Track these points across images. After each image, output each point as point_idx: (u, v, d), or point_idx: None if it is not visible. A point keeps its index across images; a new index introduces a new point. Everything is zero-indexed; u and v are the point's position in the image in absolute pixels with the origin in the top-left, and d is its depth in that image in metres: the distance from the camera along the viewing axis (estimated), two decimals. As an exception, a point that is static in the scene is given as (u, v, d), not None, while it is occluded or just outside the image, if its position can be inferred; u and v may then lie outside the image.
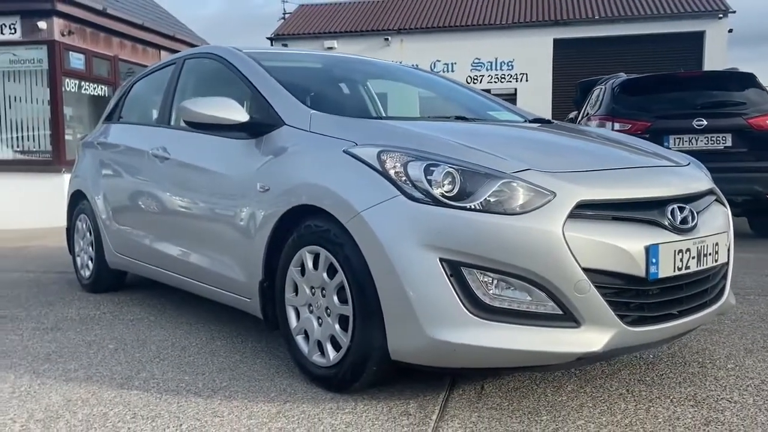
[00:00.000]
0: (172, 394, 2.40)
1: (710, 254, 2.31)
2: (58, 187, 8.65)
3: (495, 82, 19.30)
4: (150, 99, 4.02)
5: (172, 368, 2.72)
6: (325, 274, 2.34)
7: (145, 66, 11.34)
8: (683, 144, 5.90)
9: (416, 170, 2.13)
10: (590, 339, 2.03)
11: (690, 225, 2.25)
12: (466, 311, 2.00)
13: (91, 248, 4.33)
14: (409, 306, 2.04)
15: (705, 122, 5.86)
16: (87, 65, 9.76)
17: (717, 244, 2.35)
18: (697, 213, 2.34)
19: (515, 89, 19.02)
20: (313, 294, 2.41)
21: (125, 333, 3.31)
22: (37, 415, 2.24)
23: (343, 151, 2.32)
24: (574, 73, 17.00)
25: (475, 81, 19.35)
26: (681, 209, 2.26)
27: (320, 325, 2.39)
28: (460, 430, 2.03)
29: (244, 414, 2.19)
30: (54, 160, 9.10)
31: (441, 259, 2.02)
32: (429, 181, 2.09)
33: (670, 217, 2.21)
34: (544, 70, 18.64)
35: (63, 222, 4.96)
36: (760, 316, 3.45)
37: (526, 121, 3.37)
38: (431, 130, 2.49)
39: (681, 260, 2.18)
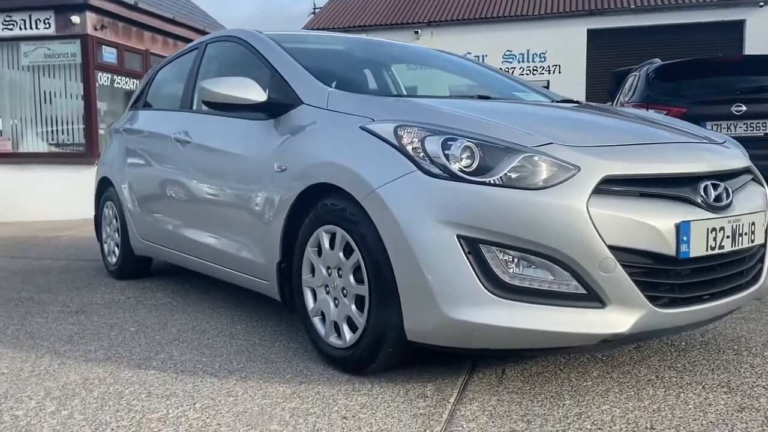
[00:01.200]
0: (188, 375, 2.38)
1: (746, 234, 2.19)
2: (91, 179, 8.75)
3: (527, 74, 19.01)
4: (174, 84, 4.00)
5: (191, 350, 2.70)
6: (341, 254, 2.28)
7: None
8: (721, 130, 5.69)
9: (434, 145, 2.06)
10: (616, 320, 1.93)
11: (724, 203, 2.14)
12: (485, 290, 1.92)
13: (117, 235, 4.35)
14: (426, 284, 1.97)
15: (744, 108, 5.64)
16: (119, 59, 9.88)
17: (753, 223, 2.23)
18: (733, 191, 2.23)
19: (548, 81, 18.71)
20: (330, 274, 2.36)
21: (147, 316, 3.31)
22: (54, 392, 2.23)
23: (360, 128, 2.26)
24: (609, 64, 16.64)
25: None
26: (715, 186, 2.14)
27: (336, 306, 2.34)
28: (478, 413, 1.96)
29: (259, 394, 2.15)
30: (87, 153, 9.24)
31: (459, 236, 1.95)
32: (447, 156, 2.01)
33: (702, 193, 2.10)
34: (578, 61, 18.30)
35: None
36: (800, 305, 3.29)
37: (553, 101, 3.27)
38: (452, 106, 2.42)
39: (714, 239, 2.07)
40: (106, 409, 2.06)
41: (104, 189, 4.57)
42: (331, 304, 2.36)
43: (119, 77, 9.96)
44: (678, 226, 1.98)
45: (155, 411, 2.03)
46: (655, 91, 6.04)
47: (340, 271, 2.30)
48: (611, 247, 1.91)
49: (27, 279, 4.52)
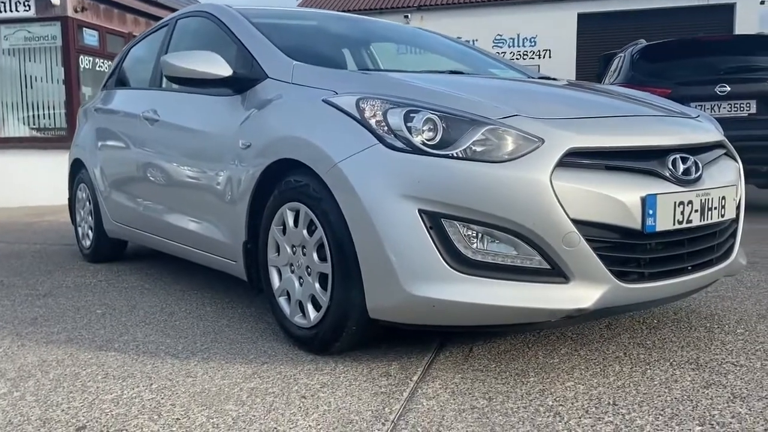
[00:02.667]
0: (149, 356, 2.32)
1: (716, 208, 2.14)
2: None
3: (517, 58, 18.90)
4: (145, 62, 3.92)
5: (156, 332, 2.64)
6: (305, 231, 2.23)
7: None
8: (705, 111, 5.64)
9: (396, 117, 2.00)
10: (580, 295, 1.89)
11: (693, 176, 2.09)
12: (447, 266, 1.88)
13: (90, 218, 4.28)
14: (387, 261, 1.92)
15: (728, 88, 5.60)
16: (101, 42, 9.73)
17: (724, 198, 2.18)
18: (703, 165, 2.18)
19: (538, 66, 18.62)
20: (294, 253, 2.31)
21: (116, 299, 3.25)
22: (9, 374, 2.18)
23: (322, 101, 2.20)
24: (599, 48, 16.54)
25: (497, 58, 19.01)
26: (684, 159, 2.10)
27: (301, 285, 2.29)
28: (440, 391, 1.91)
29: (218, 374, 2.10)
30: (69, 137, 9.09)
31: (420, 211, 1.89)
32: (409, 129, 1.96)
33: (671, 167, 2.05)
34: (568, 46, 18.20)
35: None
36: (778, 283, 3.27)
37: (529, 77, 3.21)
38: (418, 80, 2.35)
39: (682, 213, 2.03)
40: (59, 390, 2.01)
41: (77, 171, 4.49)
42: (296, 283, 2.31)
43: (101, 60, 9.81)
44: (644, 200, 1.93)
45: (109, 392, 1.97)
46: (640, 72, 5.99)
47: (304, 249, 2.25)
48: (575, 221, 1.86)
49: (1, 262, 4.44)
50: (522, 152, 1.89)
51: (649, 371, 2.05)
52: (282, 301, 2.40)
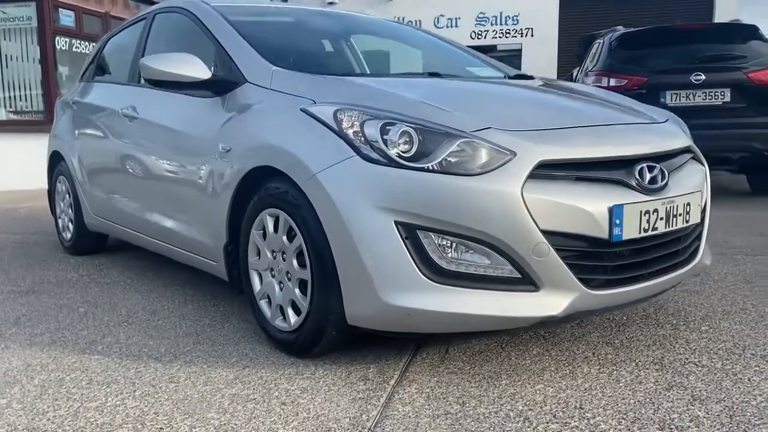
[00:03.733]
0: (132, 359, 2.37)
1: (680, 215, 2.22)
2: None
3: (500, 37, 18.87)
4: (123, 55, 3.90)
5: (138, 332, 2.69)
6: (284, 238, 2.28)
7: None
8: (680, 99, 5.75)
9: (373, 129, 2.05)
10: (549, 303, 1.97)
11: (659, 185, 2.16)
12: (422, 275, 1.94)
13: (70, 210, 4.29)
14: (364, 270, 1.98)
15: (703, 77, 5.68)
16: (77, 23, 9.59)
17: (689, 204, 2.26)
18: (670, 172, 2.26)
19: (521, 45, 18.63)
20: (275, 258, 2.36)
21: (98, 296, 3.28)
22: (-6, 380, 2.22)
23: (301, 110, 2.23)
24: (581, 27, 16.61)
25: (480, 36, 18.94)
26: (651, 168, 2.17)
27: (281, 289, 2.34)
28: (416, 395, 1.99)
29: (201, 380, 2.16)
30: (46, 120, 9.00)
31: (396, 222, 1.95)
32: (385, 141, 2.00)
33: (637, 176, 2.12)
34: (550, 24, 18.19)
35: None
36: (744, 277, 3.38)
37: (506, 77, 3.26)
38: (396, 87, 2.39)
39: (648, 221, 2.10)
40: (45, 397, 2.06)
41: (56, 163, 4.48)
42: (277, 288, 2.36)
43: (78, 41, 9.68)
44: (611, 210, 2.01)
45: (94, 399, 2.03)
46: (617, 59, 6.06)
47: (284, 255, 2.30)
48: (545, 232, 1.93)
49: (-20, 255, 4.45)
50: (494, 165, 1.95)
51: (615, 372, 2.14)
52: (263, 304, 2.45)
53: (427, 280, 1.94)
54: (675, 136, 2.48)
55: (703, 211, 2.48)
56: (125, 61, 3.77)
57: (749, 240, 4.31)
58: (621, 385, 2.05)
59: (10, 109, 9.37)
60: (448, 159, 1.97)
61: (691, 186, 2.34)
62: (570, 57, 16.73)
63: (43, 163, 8.19)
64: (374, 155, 2.00)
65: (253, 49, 2.69)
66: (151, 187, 3.19)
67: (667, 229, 2.17)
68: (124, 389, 2.10)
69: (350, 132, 2.07)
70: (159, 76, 2.66)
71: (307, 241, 2.15)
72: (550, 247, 1.94)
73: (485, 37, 18.80)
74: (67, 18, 9.43)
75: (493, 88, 2.70)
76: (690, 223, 2.29)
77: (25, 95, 9.36)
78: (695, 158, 2.55)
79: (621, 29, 6.57)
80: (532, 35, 18.63)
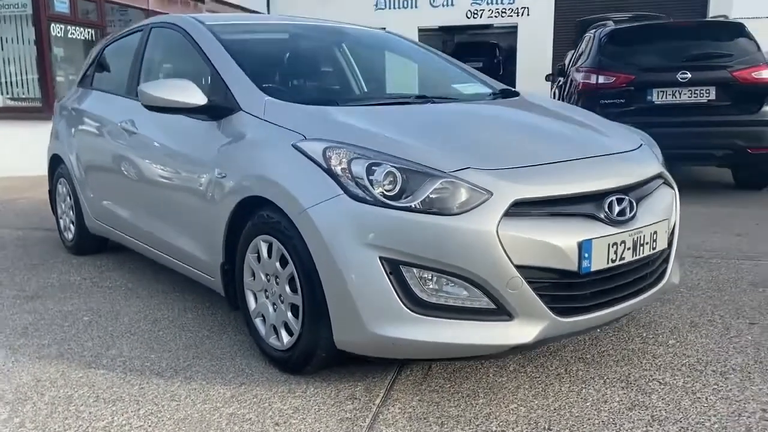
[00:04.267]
0: (135, 375, 2.54)
1: (647, 243, 2.38)
2: (47, 134, 8.72)
3: (496, 16, 18.83)
4: (120, 66, 4.00)
5: (141, 344, 2.85)
6: (278, 264, 2.43)
7: (134, 7, 11.15)
8: (667, 97, 5.87)
9: (359, 167, 2.19)
10: (522, 332, 2.13)
11: (627, 216, 2.31)
12: (405, 307, 2.10)
13: (71, 212, 4.42)
14: (352, 302, 2.14)
15: (689, 75, 5.80)
16: (72, 9, 9.58)
17: (656, 232, 2.41)
18: (639, 201, 2.40)
19: (516, 24, 18.60)
20: (269, 281, 2.51)
21: (101, 303, 3.44)
22: (7, 396, 2.39)
23: (292, 145, 2.37)
24: (577, 7, 16.63)
25: (476, 15, 18.91)
26: (620, 201, 2.31)
27: (275, 310, 2.50)
28: (399, 416, 2.16)
29: (200, 398, 2.33)
30: (44, 107, 9.07)
31: (381, 258, 2.10)
32: (371, 181, 2.14)
33: (607, 210, 2.27)
34: (547, 4, 18.15)
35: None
36: (717, 283, 3.55)
37: (491, 94, 3.38)
38: (383, 120, 2.53)
39: (615, 252, 2.26)
40: (55, 416, 2.22)
41: (56, 165, 4.60)
42: (270, 308, 2.52)
43: (74, 27, 9.69)
44: (580, 244, 2.16)
45: (101, 418, 2.20)
46: (606, 56, 6.16)
47: (277, 279, 2.45)
48: (518, 267, 2.09)
49: (-16, 255, 4.59)
50: (472, 205, 2.09)
51: (584, 390, 2.32)
52: (258, 322, 2.61)
53: (409, 311, 2.10)
54: (646, 164, 2.62)
55: (672, 233, 2.63)
56: (123, 71, 3.88)
57: (726, 241, 4.47)
58: (588, 404, 2.22)
59: (8, 96, 9.42)
60: (430, 197, 2.11)
61: (660, 213, 2.48)
62: (565, 36, 16.75)
63: (40, 150, 8.33)
64: (360, 193, 2.15)
65: (247, 77, 2.81)
66: (151, 201, 3.32)
67: (634, 258, 2.33)
68: (129, 407, 2.27)
69: (338, 169, 2.21)
70: (157, 102, 2.78)
71: (299, 269, 2.30)
72: (523, 281, 2.10)
73: (481, 17, 18.76)
74: (61, 4, 9.42)
75: (474, 119, 2.79)
76: (657, 249, 2.44)
77: (22, 81, 9.41)
78: (666, 182, 2.70)
79: (611, 24, 6.65)
80: (528, 14, 18.58)
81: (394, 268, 2.10)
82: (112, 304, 3.43)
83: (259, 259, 2.54)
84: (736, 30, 6.06)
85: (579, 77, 6.24)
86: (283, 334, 2.46)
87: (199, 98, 2.78)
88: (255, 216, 2.51)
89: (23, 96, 9.43)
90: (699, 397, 2.26)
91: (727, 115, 5.82)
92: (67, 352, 2.79)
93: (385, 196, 2.13)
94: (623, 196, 2.33)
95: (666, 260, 2.60)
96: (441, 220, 2.08)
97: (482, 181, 2.14)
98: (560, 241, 2.14)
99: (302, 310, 2.33)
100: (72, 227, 4.46)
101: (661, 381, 2.39)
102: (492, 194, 2.11)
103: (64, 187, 4.50)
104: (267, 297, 2.54)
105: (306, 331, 2.33)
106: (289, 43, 3.51)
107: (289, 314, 2.41)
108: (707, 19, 8.03)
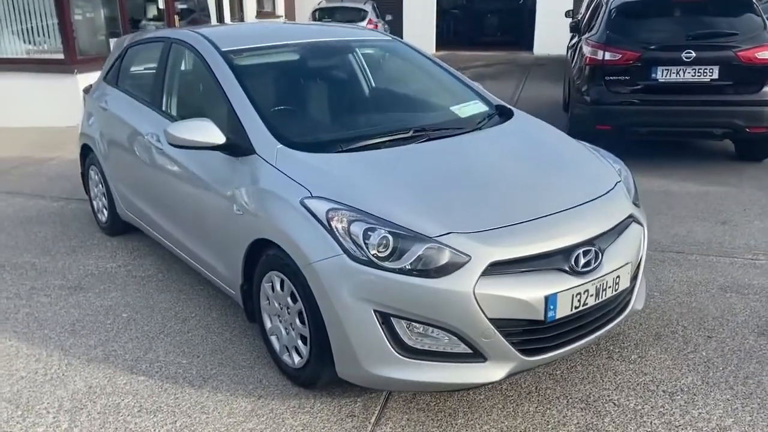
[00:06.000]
0: (171, 383, 3.00)
1: (610, 287, 2.73)
2: (71, 87, 9.10)
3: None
4: (143, 72, 4.29)
5: (174, 347, 3.31)
6: (289, 298, 2.83)
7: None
8: (671, 75, 6.00)
9: (357, 229, 2.54)
10: (493, 372, 2.54)
11: (592, 266, 2.65)
12: (394, 352, 2.51)
13: (104, 198, 4.82)
14: (350, 345, 2.54)
15: (694, 54, 5.90)
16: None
17: (618, 277, 2.76)
18: (605, 249, 2.73)
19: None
20: (281, 309, 2.92)
21: (137, 297, 3.90)
22: (65, 404, 2.87)
23: (300, 202, 2.71)
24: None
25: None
26: (586, 252, 2.64)
27: (287, 334, 2.92)
28: (389, 435, 2.62)
29: (225, 411, 2.79)
30: (66, 60, 9.33)
31: (375, 310, 2.49)
32: (366, 245, 2.50)
33: (573, 263, 2.61)
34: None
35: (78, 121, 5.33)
36: (690, 286, 3.89)
37: (489, 114, 3.65)
38: (379, 172, 2.86)
39: (579, 300, 2.62)
40: (107, 426, 2.71)
41: (87, 152, 4.96)
42: (283, 331, 2.94)
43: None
44: (546, 298, 2.52)
45: (146, 430, 2.67)
46: (615, 30, 6.25)
47: (289, 310, 2.86)
48: (491, 319, 2.47)
49: (27, 231, 5.05)
50: (453, 268, 2.45)
51: (548, 411, 2.74)
52: (273, 339, 3.04)
53: (398, 356, 2.51)
54: (617, 208, 2.93)
55: (637, 268, 2.97)
56: (147, 79, 4.18)
57: (709, 232, 4.77)
58: (549, 426, 2.65)
59: (30, 45, 9.65)
60: (419, 258, 2.47)
61: (625, 256, 2.81)
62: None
63: (64, 102, 8.77)
64: (358, 254, 2.51)
65: (260, 120, 3.11)
66: (176, 213, 3.70)
67: (597, 302, 2.69)
68: (168, 419, 2.75)
69: (339, 229, 2.57)
70: (181, 142, 3.11)
71: (306, 308, 2.70)
72: (495, 331, 2.48)
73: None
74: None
75: (462, 169, 3.01)
76: (620, 290, 2.80)
77: (44, 30, 9.59)
78: (635, 221, 3.00)
79: (622, -5, 6.67)
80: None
81: (385, 319, 2.50)
82: (147, 298, 3.89)
83: (272, 288, 2.93)
84: (744, 5, 6.08)
85: (587, 51, 6.36)
86: (295, 355, 2.89)
87: (218, 138, 3.10)
88: (269, 252, 2.88)
89: (46, 49, 9.64)
90: (644, 421, 2.68)
91: (728, 94, 5.96)
92: (111, 355, 3.26)
93: (377, 257, 2.49)
94: (590, 248, 2.66)
95: (630, 291, 2.95)
96: (426, 282, 2.45)
97: (462, 245, 2.48)
98: (529, 296, 2.50)
99: (309, 341, 2.74)
100: (105, 211, 4.87)
101: (616, 402, 2.80)
102: (470, 258, 2.47)
103: (96, 174, 4.88)
104: (280, 321, 2.96)
105: (313, 360, 2.75)
106: (300, 68, 3.77)
107: (299, 342, 2.83)
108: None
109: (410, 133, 3.25)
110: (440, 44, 20.85)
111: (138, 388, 2.98)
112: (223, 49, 3.55)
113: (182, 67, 3.92)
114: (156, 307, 3.77)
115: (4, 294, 3.99)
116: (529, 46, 19.92)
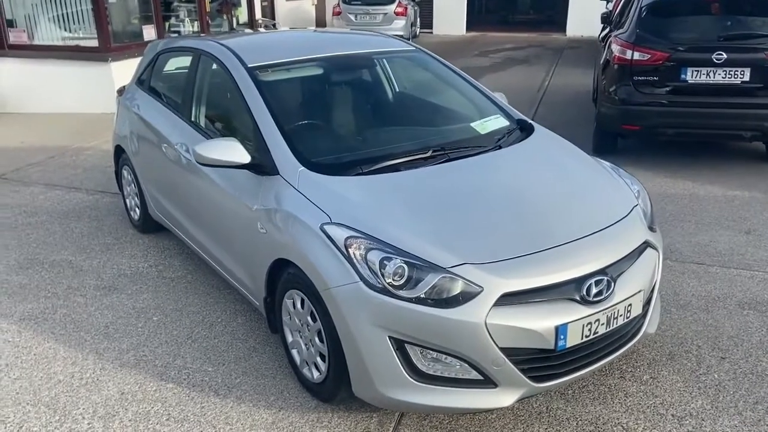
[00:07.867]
0: (197, 391, 3.16)
1: (621, 316, 2.79)
2: (104, 75, 9.31)
3: None
4: (174, 81, 4.41)
5: (200, 354, 3.47)
6: (309, 317, 2.95)
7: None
8: (701, 77, 5.93)
9: (374, 257, 2.63)
10: (504, 397, 2.63)
11: (604, 296, 2.71)
12: (408, 377, 2.61)
13: (136, 198, 4.99)
14: (365, 368, 2.66)
15: (725, 56, 5.81)
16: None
17: (630, 305, 2.81)
18: (618, 277, 2.78)
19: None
20: (302, 325, 3.04)
21: (166, 300, 4.06)
22: (99, 410, 3.05)
23: (320, 227, 2.81)
24: None
25: None
26: (598, 282, 2.70)
27: (307, 349, 3.05)
28: (402, 452, 2.74)
29: (248, 422, 2.94)
30: (101, 48, 9.51)
31: (390, 337, 2.60)
32: (383, 274, 2.60)
33: (584, 293, 2.67)
34: None
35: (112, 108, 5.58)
36: (708, 301, 3.92)
37: (509, 130, 3.69)
38: (397, 196, 2.94)
39: (589, 330, 2.69)
40: (139, 435, 2.89)
41: (120, 152, 5.13)
42: (304, 346, 3.07)
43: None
44: (557, 328, 2.60)
45: (174, 441, 2.85)
46: (645, 29, 6.18)
47: (309, 327, 2.98)
48: (502, 348, 2.55)
49: (64, 226, 5.26)
50: (466, 299, 2.54)
51: (556, 434, 2.84)
52: (294, 353, 3.18)
53: (412, 380, 2.62)
54: (632, 234, 2.97)
55: (651, 291, 3.02)
56: (177, 88, 4.30)
57: (732, 241, 4.76)
58: (557, 449, 2.75)
59: (64, 32, 9.86)
60: (433, 287, 2.57)
61: (637, 284, 2.86)
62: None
63: (98, 89, 9.01)
64: (373, 282, 2.61)
65: (284, 141, 3.21)
66: (205, 222, 3.84)
67: (607, 330, 2.76)
68: (194, 428, 2.91)
69: (357, 255, 2.67)
70: (209, 161, 3.22)
71: (325, 328, 2.82)
72: (506, 359, 2.57)
73: None
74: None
75: (478, 193, 3.06)
76: (631, 318, 2.86)
77: (76, 14, 9.78)
78: (650, 246, 3.05)
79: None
80: None
81: (400, 345, 2.60)
82: (176, 301, 4.05)
83: (294, 305, 3.06)
84: (779, 5, 5.96)
85: (616, 50, 6.31)
86: (314, 370, 3.02)
87: (244, 157, 3.21)
88: (290, 271, 3.00)
89: (81, 36, 9.84)
90: (651, 446, 2.76)
91: (759, 97, 5.87)
92: (142, 360, 3.44)
93: (393, 286, 2.59)
94: (602, 277, 2.72)
95: (644, 315, 3.00)
96: (439, 312, 2.54)
97: (475, 276, 2.57)
98: (540, 326, 2.57)
99: (327, 360, 2.87)
100: (137, 210, 5.05)
101: (624, 426, 2.88)
102: (483, 289, 2.55)
103: (128, 174, 5.05)
104: (301, 337, 3.08)
105: (331, 377, 2.88)
106: (323, 84, 3.86)
107: (318, 358, 2.96)
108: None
109: (429, 153, 3.32)
110: (471, 24, 20.64)
111: (167, 395, 3.14)
112: (249, 65, 3.64)
113: (210, 80, 4.02)
114: (184, 310, 3.94)
115: (43, 293, 4.19)
116: (562, 26, 19.62)
